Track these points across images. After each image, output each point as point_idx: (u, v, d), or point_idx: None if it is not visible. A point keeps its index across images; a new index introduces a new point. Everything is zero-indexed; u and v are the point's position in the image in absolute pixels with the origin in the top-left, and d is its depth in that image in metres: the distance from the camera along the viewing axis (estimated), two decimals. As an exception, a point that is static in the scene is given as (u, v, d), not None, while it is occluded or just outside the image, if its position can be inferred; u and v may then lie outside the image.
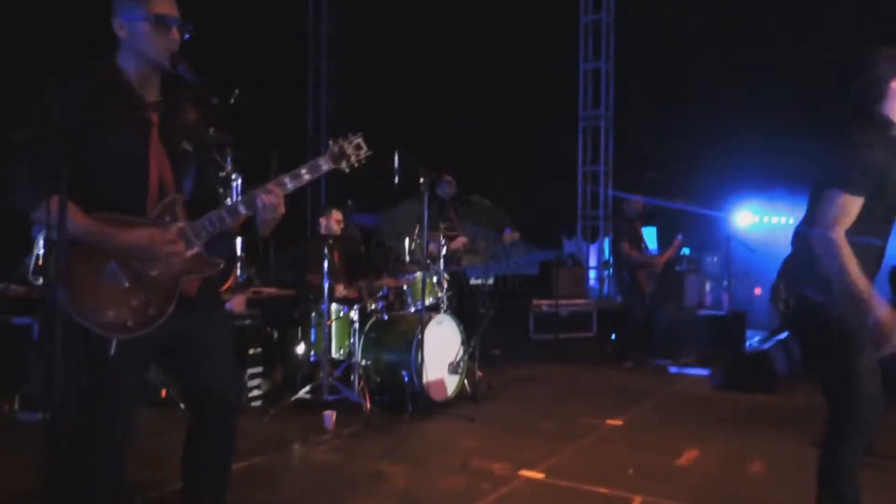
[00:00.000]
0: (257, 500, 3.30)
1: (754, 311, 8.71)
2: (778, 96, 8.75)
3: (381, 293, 5.54)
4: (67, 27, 5.98)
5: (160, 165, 2.24)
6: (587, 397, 5.68)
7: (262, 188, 2.30)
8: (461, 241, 6.41)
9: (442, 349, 5.17)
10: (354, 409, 4.79)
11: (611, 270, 10.56)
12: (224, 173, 6.12)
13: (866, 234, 2.55)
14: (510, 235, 7.12)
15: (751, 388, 5.76)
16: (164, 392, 4.89)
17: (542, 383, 6.27)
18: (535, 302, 8.87)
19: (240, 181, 6.21)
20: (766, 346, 6.39)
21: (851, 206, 2.51)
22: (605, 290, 10.95)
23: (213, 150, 5.86)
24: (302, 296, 5.53)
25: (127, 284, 2.14)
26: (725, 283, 9.25)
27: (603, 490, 3.44)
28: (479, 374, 5.61)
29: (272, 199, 2.29)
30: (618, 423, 4.78)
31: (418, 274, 5.34)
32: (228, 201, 2.33)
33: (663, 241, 8.89)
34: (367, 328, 5.30)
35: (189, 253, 2.23)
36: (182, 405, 4.22)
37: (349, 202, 6.34)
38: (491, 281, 8.30)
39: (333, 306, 5.15)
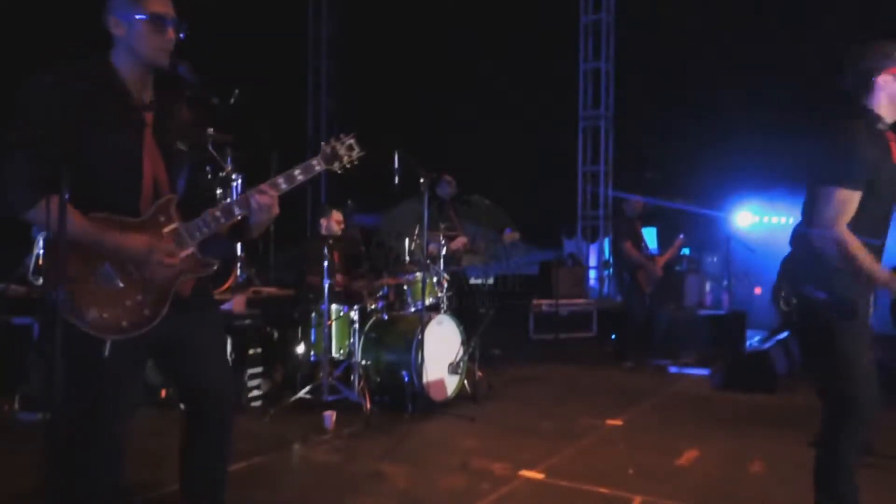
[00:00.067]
0: (257, 500, 3.29)
1: (754, 311, 8.69)
2: (778, 96, 8.75)
3: (381, 293, 5.54)
4: (60, 25, 5.98)
5: (154, 165, 2.23)
6: (587, 397, 5.68)
7: (256, 189, 2.30)
8: (461, 241, 6.41)
9: (442, 349, 5.17)
10: (354, 409, 4.79)
11: (611, 270, 10.56)
12: (224, 173, 6.13)
13: (863, 233, 2.55)
14: (510, 235, 7.12)
15: (751, 388, 5.76)
16: (164, 392, 4.89)
17: (542, 383, 6.27)
18: (535, 302, 8.87)
19: (240, 181, 6.22)
20: (766, 346, 6.39)
21: (850, 200, 2.51)
22: (605, 290, 10.95)
23: (209, 150, 5.88)
24: (302, 296, 5.53)
25: (122, 285, 2.14)
26: (725, 283, 9.26)
27: (603, 490, 3.44)
28: (479, 374, 5.61)
29: (266, 199, 2.29)
30: (618, 423, 4.78)
31: (418, 274, 5.34)
32: (226, 201, 2.33)
33: (663, 241, 8.90)
34: (367, 328, 5.30)
35: (183, 253, 2.23)
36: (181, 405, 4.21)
37: (349, 202, 6.35)
38: (491, 281, 8.31)
39: (333, 306, 5.15)
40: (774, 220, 9.81)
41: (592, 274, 11.05)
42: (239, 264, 6.71)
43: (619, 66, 10.93)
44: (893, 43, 2.64)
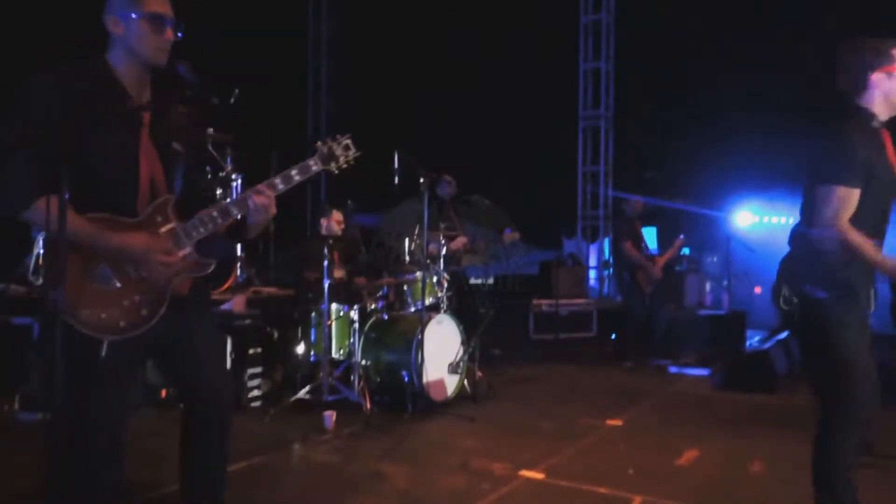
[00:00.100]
0: (257, 500, 3.29)
1: (754, 311, 8.70)
2: (778, 96, 8.75)
3: (381, 293, 5.54)
4: (60, 25, 5.97)
5: (151, 165, 2.23)
6: (587, 397, 5.68)
7: (253, 189, 2.30)
8: (461, 241, 6.41)
9: (442, 349, 5.17)
10: (354, 409, 4.78)
11: (611, 270, 10.56)
12: (224, 173, 6.13)
13: (863, 231, 2.55)
14: (510, 235, 7.12)
15: (751, 388, 5.76)
16: (164, 392, 4.89)
17: (542, 383, 6.27)
18: (535, 302, 8.87)
19: (240, 181, 6.21)
20: (766, 345, 6.39)
21: (849, 197, 2.51)
22: (605, 290, 10.95)
23: (208, 150, 5.88)
24: (302, 296, 5.53)
25: (119, 286, 2.14)
26: (725, 283, 9.26)
27: (603, 490, 3.44)
28: (479, 374, 5.61)
29: (263, 200, 2.29)
30: (618, 423, 4.78)
31: (418, 274, 5.34)
32: (223, 202, 2.33)
33: (663, 241, 8.90)
34: (367, 328, 5.30)
35: (181, 253, 2.23)
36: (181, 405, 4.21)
37: (349, 202, 6.34)
38: (491, 281, 8.31)
39: (333, 306, 5.15)
40: (774, 220, 9.81)
41: (592, 274, 11.06)
42: (239, 264, 6.70)
43: (619, 66, 10.93)
44: (886, 41, 2.63)
